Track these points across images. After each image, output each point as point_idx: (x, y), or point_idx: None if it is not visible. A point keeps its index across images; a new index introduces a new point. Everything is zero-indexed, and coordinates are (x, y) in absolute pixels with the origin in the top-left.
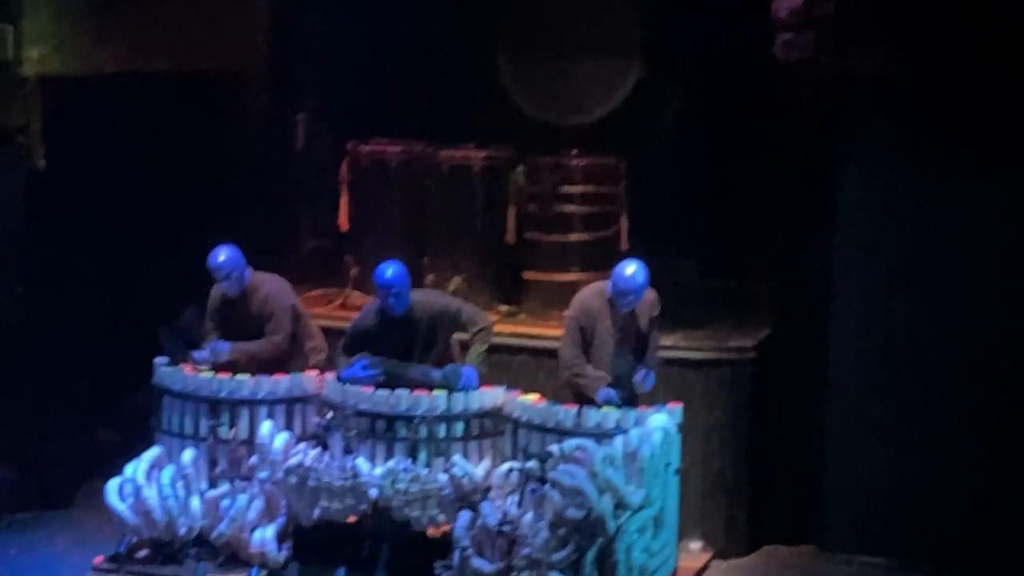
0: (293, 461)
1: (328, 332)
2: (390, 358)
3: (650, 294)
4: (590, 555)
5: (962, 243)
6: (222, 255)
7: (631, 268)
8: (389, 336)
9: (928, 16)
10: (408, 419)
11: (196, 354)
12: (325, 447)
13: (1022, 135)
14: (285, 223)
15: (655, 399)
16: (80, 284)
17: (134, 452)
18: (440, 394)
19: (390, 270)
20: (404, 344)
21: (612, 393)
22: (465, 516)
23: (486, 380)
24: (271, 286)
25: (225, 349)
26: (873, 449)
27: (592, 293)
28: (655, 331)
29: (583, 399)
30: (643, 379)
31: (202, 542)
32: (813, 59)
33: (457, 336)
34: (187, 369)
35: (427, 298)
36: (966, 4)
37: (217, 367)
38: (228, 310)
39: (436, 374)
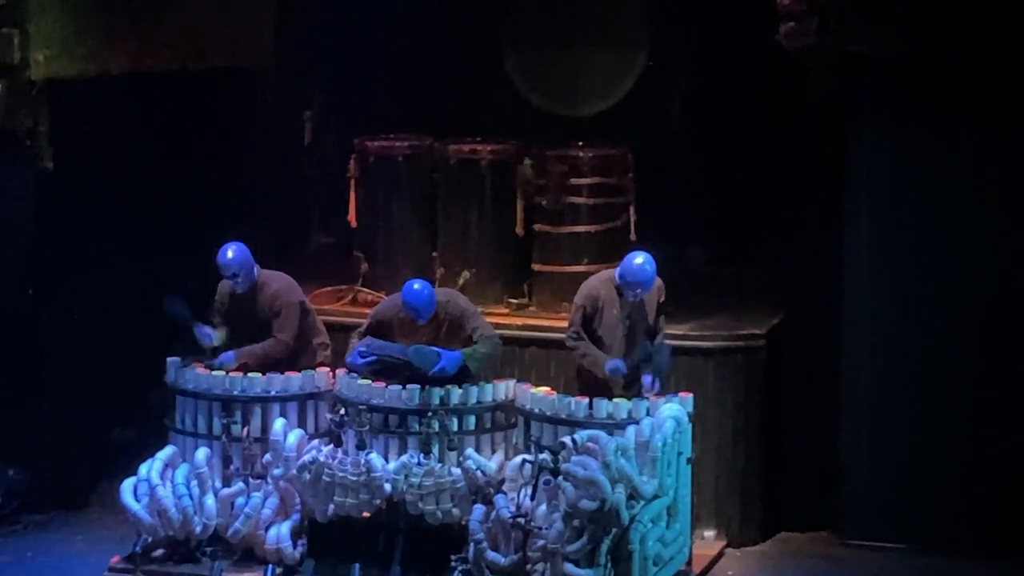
0: (307, 458)
1: (338, 328)
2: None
3: (656, 282)
4: (604, 546)
5: (972, 225)
6: (230, 252)
7: (640, 259)
8: (408, 330)
9: None
10: (421, 413)
11: (199, 331)
12: (338, 443)
13: None
14: (295, 220)
15: (667, 389)
16: (92, 284)
17: (148, 452)
18: (453, 388)
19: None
20: (423, 341)
21: (619, 363)
22: (479, 509)
23: (497, 373)
24: (279, 284)
25: (230, 359)
26: (888, 434)
27: (600, 281)
28: (662, 318)
29: (593, 391)
30: (650, 386)
31: (217, 540)
32: (817, 45)
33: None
34: (199, 368)
35: (451, 298)
36: None
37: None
38: (236, 307)
39: (411, 351)
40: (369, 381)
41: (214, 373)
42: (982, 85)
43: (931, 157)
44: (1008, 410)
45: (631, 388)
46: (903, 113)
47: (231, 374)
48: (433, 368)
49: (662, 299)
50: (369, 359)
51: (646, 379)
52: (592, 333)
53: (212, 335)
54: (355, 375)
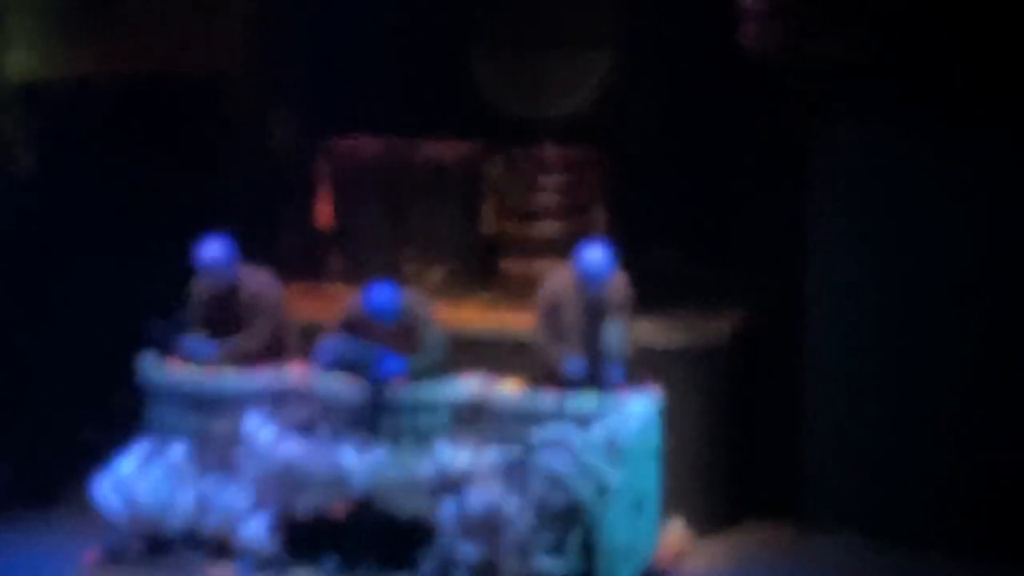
0: (279, 454)
1: (307, 327)
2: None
3: (619, 278)
4: (573, 539)
5: (936, 227)
6: (212, 249)
7: (596, 252)
8: (371, 331)
9: (896, 1)
10: (392, 410)
11: (189, 344)
12: (310, 439)
13: (996, 119)
14: (264, 220)
15: (634, 383)
16: (65, 283)
17: (122, 448)
18: (422, 384)
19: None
20: (387, 342)
21: (577, 362)
22: (449, 504)
23: (466, 368)
24: (260, 279)
25: (212, 353)
26: (851, 428)
27: (561, 276)
28: (626, 314)
29: (561, 385)
30: (610, 374)
31: (190, 537)
32: (780, 47)
33: None
34: (173, 364)
35: (417, 303)
36: None
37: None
38: (216, 303)
39: (357, 350)
40: (341, 377)
41: (187, 370)
42: (947, 86)
43: (895, 157)
44: (973, 403)
45: (596, 382)
46: (867, 113)
47: (204, 370)
48: (378, 374)
49: (625, 296)
50: (331, 357)
51: (610, 370)
52: (555, 329)
53: (207, 348)
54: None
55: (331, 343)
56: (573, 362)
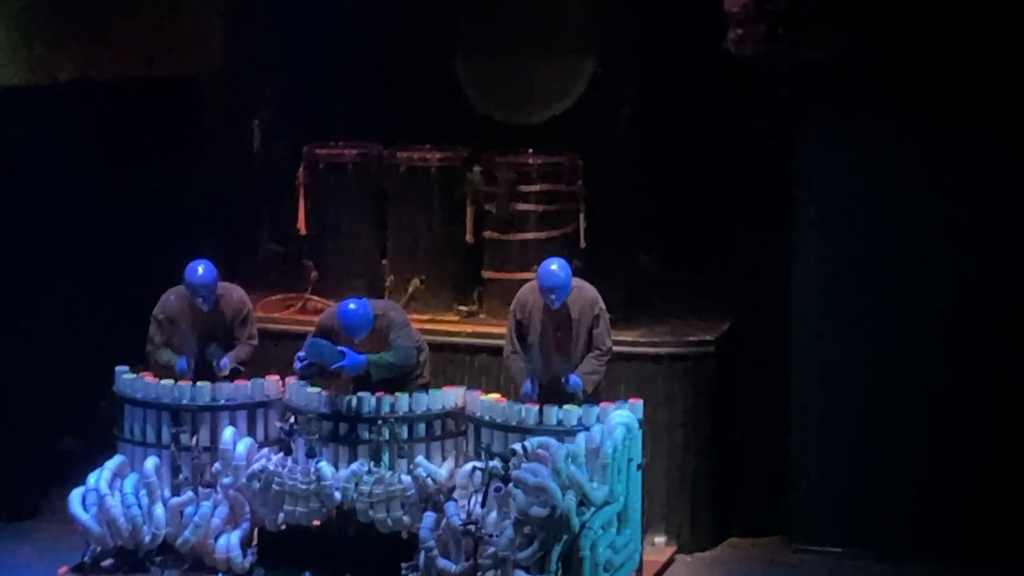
0: (256, 466)
1: (287, 336)
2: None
3: (588, 293)
4: (555, 552)
5: (920, 229)
6: (201, 269)
7: (554, 265)
8: (346, 339)
9: (879, 3)
10: (370, 421)
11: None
12: (288, 451)
13: (978, 118)
14: (244, 228)
15: (616, 395)
16: (40, 293)
17: (97, 461)
18: (402, 396)
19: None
20: (361, 349)
21: (528, 386)
22: (430, 517)
23: (450, 381)
24: (238, 292)
25: (225, 364)
26: (837, 440)
27: (528, 289)
28: (599, 329)
29: (544, 397)
30: (569, 384)
31: (167, 550)
32: (765, 51)
33: None
34: (148, 377)
35: (386, 311)
36: None
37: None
38: (192, 320)
39: (307, 344)
40: (319, 389)
41: (163, 382)
42: (930, 90)
43: (880, 163)
44: (957, 414)
45: (559, 397)
46: (852, 118)
47: (180, 383)
48: (332, 365)
49: (596, 312)
50: (304, 363)
51: (567, 379)
52: (524, 340)
53: (183, 363)
54: (305, 383)
55: (304, 349)
56: (526, 384)
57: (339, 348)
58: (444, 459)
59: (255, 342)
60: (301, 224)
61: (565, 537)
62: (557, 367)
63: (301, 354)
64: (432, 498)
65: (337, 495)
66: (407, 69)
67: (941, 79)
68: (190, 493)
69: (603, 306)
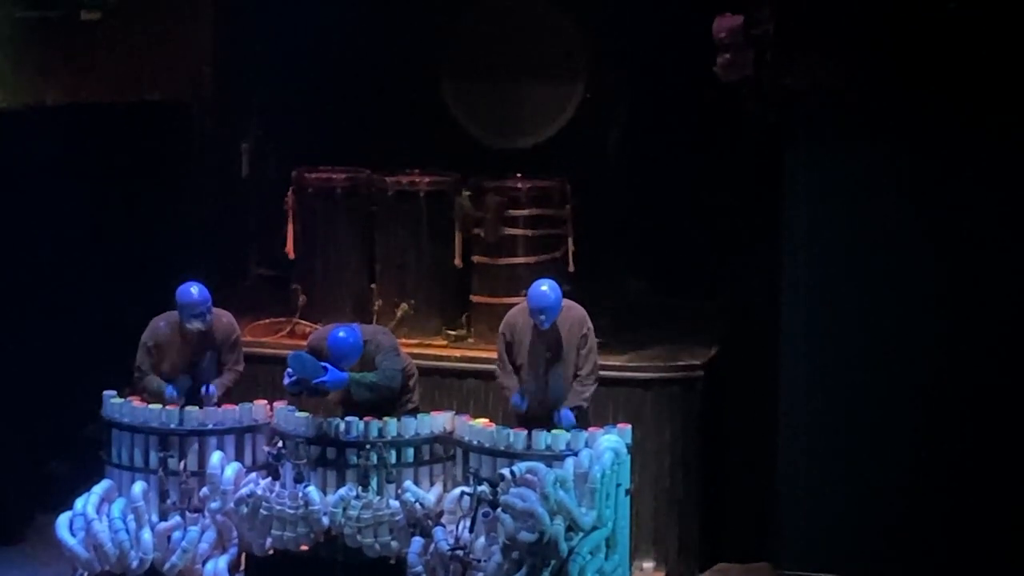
0: (244, 491)
1: (276, 361)
2: None
3: (576, 313)
4: None
5: (908, 254)
6: (195, 290)
7: (544, 286)
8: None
9: (866, 30)
10: (358, 446)
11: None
12: (276, 476)
13: (964, 144)
14: (232, 252)
15: (604, 420)
16: (28, 317)
17: (84, 486)
18: (390, 420)
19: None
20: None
21: (517, 399)
22: (418, 542)
23: (438, 405)
24: (227, 317)
25: (212, 392)
26: (826, 466)
27: (517, 310)
28: (587, 350)
29: (531, 422)
30: (562, 419)
31: (154, 575)
32: (753, 78)
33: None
34: (136, 401)
35: (375, 336)
36: (901, 17)
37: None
38: (181, 347)
39: (291, 357)
40: (307, 413)
41: (151, 407)
42: (916, 116)
43: (867, 188)
44: (947, 441)
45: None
46: (839, 145)
47: (167, 407)
48: (313, 380)
49: (584, 332)
50: (292, 379)
51: (561, 415)
52: (513, 362)
53: (172, 390)
54: (292, 408)
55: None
56: (515, 396)
57: (322, 364)
58: (432, 484)
59: (240, 368)
60: (290, 248)
61: (553, 563)
62: (552, 389)
63: (288, 371)
64: (420, 523)
65: (325, 520)
66: (396, 93)
67: (927, 106)
68: (178, 518)
69: (591, 326)
